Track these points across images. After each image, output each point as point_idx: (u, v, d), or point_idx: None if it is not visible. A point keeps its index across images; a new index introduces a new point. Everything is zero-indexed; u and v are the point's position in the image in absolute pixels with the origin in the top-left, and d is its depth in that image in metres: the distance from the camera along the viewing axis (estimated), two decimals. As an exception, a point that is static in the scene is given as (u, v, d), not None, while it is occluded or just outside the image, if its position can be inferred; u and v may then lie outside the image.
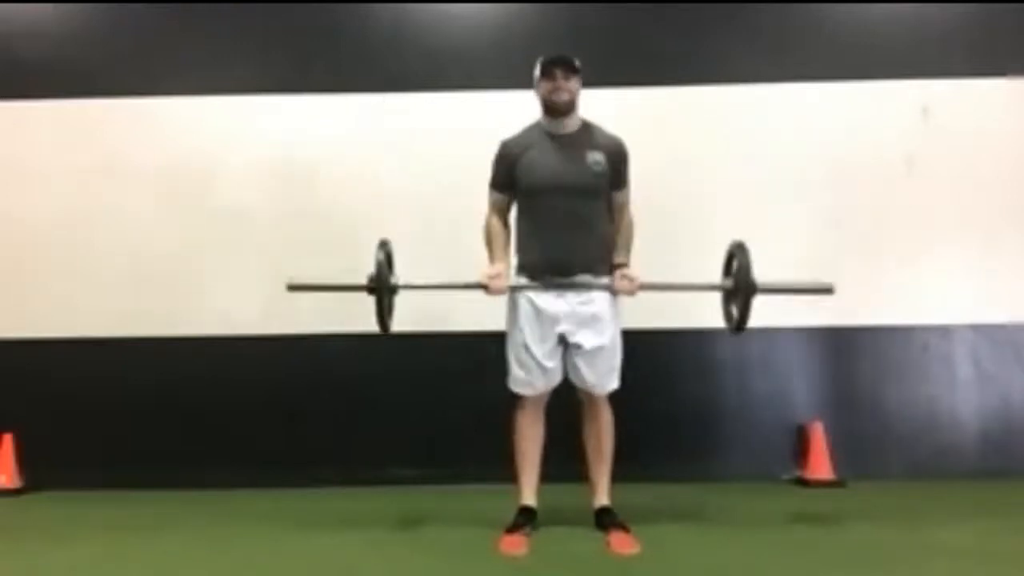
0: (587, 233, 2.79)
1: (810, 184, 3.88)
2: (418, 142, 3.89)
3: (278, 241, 3.90)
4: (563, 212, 2.76)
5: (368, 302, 3.88)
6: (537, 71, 2.81)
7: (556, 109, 2.79)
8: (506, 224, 2.90)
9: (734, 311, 2.79)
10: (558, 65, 2.77)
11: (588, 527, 2.81)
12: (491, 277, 2.75)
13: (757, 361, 3.87)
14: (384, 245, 2.79)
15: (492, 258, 2.85)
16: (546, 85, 2.79)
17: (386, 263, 2.76)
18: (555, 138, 2.82)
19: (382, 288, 2.74)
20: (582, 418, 2.89)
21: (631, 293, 2.79)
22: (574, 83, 2.79)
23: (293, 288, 2.87)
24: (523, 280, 2.82)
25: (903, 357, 3.85)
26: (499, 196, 2.88)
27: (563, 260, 2.76)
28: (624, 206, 2.88)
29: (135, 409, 3.83)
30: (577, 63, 2.79)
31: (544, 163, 2.79)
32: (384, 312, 2.78)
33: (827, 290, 2.82)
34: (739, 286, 2.73)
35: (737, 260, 2.75)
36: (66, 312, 3.87)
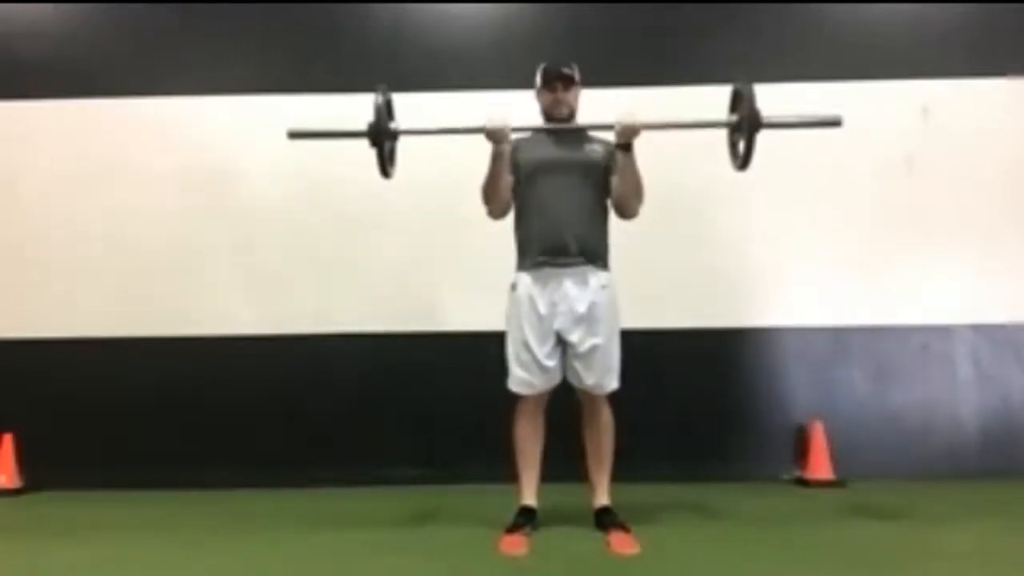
0: (586, 217, 2.80)
1: (810, 184, 3.88)
2: (418, 142, 3.88)
3: (278, 240, 3.90)
4: (563, 192, 2.78)
5: (368, 302, 3.89)
6: (538, 79, 2.86)
7: (556, 121, 2.85)
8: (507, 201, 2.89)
9: (740, 146, 2.76)
10: (558, 79, 2.82)
11: (588, 527, 2.81)
12: (492, 119, 2.72)
13: (757, 361, 3.87)
14: (383, 91, 2.77)
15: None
16: (546, 97, 2.85)
17: (385, 109, 2.75)
18: (554, 133, 2.88)
19: (382, 134, 2.73)
20: (582, 418, 2.89)
21: (632, 128, 2.72)
22: (573, 94, 2.86)
23: (294, 135, 2.86)
24: (524, 274, 2.80)
25: (903, 357, 3.85)
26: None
27: (562, 239, 2.77)
28: None
29: (135, 409, 3.83)
30: (577, 75, 2.84)
31: (544, 147, 2.85)
32: (385, 159, 2.78)
33: (835, 122, 2.76)
34: (744, 120, 2.69)
35: (742, 94, 2.72)
36: (66, 312, 3.88)
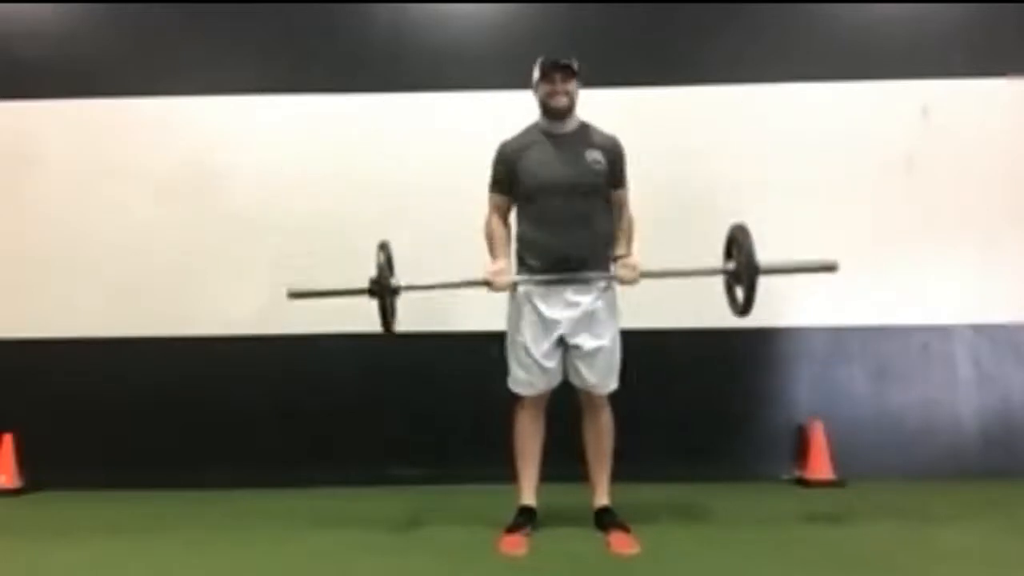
0: (588, 231, 2.79)
1: (810, 184, 3.87)
2: (418, 142, 3.89)
3: (278, 240, 3.89)
4: (564, 211, 2.76)
5: (368, 302, 3.89)
6: (536, 72, 2.82)
7: (555, 112, 2.82)
8: (507, 224, 2.91)
9: (739, 294, 2.76)
10: (557, 69, 2.78)
11: (588, 527, 2.81)
12: (494, 273, 2.75)
13: (757, 361, 3.87)
14: (384, 247, 2.79)
15: (493, 255, 2.85)
16: (545, 88, 2.81)
17: (387, 265, 2.76)
18: (553, 138, 2.84)
19: (384, 291, 2.75)
20: (582, 418, 2.89)
21: (633, 281, 2.77)
22: (572, 86, 2.81)
23: (294, 296, 2.88)
24: (525, 276, 2.81)
25: (903, 357, 3.85)
26: (500, 198, 2.89)
27: (565, 257, 2.76)
28: (624, 204, 2.89)
29: (135, 409, 3.83)
30: (576, 66, 2.80)
31: (544, 164, 2.80)
32: (387, 314, 2.79)
33: (830, 268, 2.77)
34: (742, 268, 2.69)
35: (739, 242, 2.72)
36: (66, 312, 3.87)
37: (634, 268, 2.77)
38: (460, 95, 3.89)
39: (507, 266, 2.81)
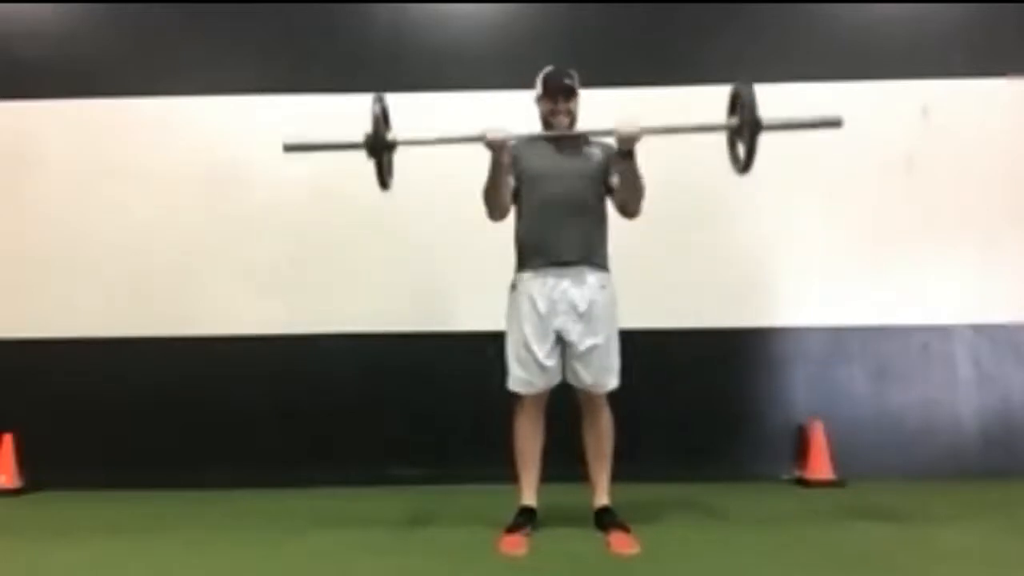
0: (585, 220, 2.81)
1: (810, 184, 3.88)
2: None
3: (278, 240, 3.90)
4: (562, 196, 2.78)
5: (368, 302, 3.89)
6: (538, 87, 2.87)
7: (555, 129, 2.86)
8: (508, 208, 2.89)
9: (740, 150, 2.72)
10: (560, 91, 2.83)
11: (588, 527, 2.81)
12: (491, 130, 2.70)
13: (757, 361, 3.87)
14: (380, 99, 2.74)
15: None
16: (546, 105, 2.87)
17: (382, 118, 2.72)
18: (553, 139, 2.89)
19: (380, 145, 2.69)
20: (582, 418, 2.89)
21: (634, 137, 2.70)
22: (573, 104, 2.86)
23: (289, 148, 2.80)
24: (525, 274, 2.80)
25: (903, 357, 3.85)
26: (505, 177, 2.86)
27: (562, 242, 2.77)
28: None
29: (135, 409, 3.83)
30: (576, 85, 2.84)
31: (544, 155, 2.85)
32: (383, 170, 2.74)
33: (835, 123, 2.72)
34: (744, 122, 2.65)
35: (742, 97, 2.68)
36: (66, 312, 3.88)
37: (632, 120, 2.70)
38: (460, 95, 3.89)
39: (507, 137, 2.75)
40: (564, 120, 2.85)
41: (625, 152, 2.75)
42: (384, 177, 2.78)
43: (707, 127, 2.87)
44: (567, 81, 2.84)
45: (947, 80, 3.88)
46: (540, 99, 2.89)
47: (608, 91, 3.66)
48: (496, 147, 2.72)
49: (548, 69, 2.88)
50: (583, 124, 2.93)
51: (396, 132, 2.77)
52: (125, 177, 3.93)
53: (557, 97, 2.83)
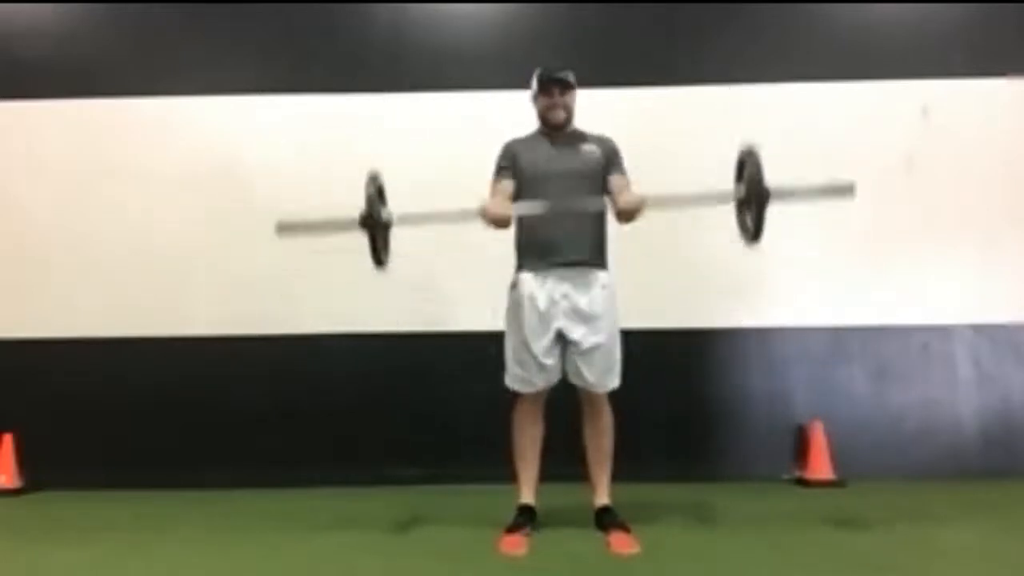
0: (585, 219, 2.81)
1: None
2: (418, 142, 3.89)
3: (277, 240, 3.89)
4: (563, 195, 2.77)
5: (368, 302, 3.89)
6: (534, 85, 2.86)
7: (553, 126, 2.87)
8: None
9: (748, 221, 2.65)
10: (555, 83, 2.82)
11: (588, 527, 2.81)
12: (491, 204, 2.69)
13: (757, 361, 3.87)
14: (375, 179, 2.73)
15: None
16: (543, 102, 2.86)
17: (377, 197, 2.72)
18: (552, 139, 2.89)
19: (375, 224, 2.68)
20: (582, 418, 2.89)
21: (636, 208, 2.68)
22: (570, 99, 2.86)
23: (283, 229, 2.80)
24: (525, 274, 2.80)
25: (903, 357, 3.85)
26: (505, 182, 2.85)
27: (562, 242, 2.77)
28: (625, 188, 2.86)
29: (135, 409, 3.83)
30: (573, 79, 2.83)
31: (543, 155, 2.85)
32: (379, 248, 2.73)
33: (847, 190, 2.62)
34: (752, 193, 2.58)
35: (748, 166, 2.62)
36: (66, 312, 3.88)
37: (636, 196, 2.68)
38: (460, 95, 3.89)
39: (506, 200, 2.74)
40: (561, 115, 2.85)
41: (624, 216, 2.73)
42: (380, 255, 2.73)
43: (714, 198, 2.77)
44: (561, 73, 2.84)
45: (947, 80, 3.88)
46: (536, 96, 2.88)
47: (608, 91, 3.67)
48: (497, 223, 2.68)
49: (542, 68, 2.88)
50: (583, 125, 2.94)
51: (391, 213, 2.71)
52: (125, 177, 3.93)
53: (553, 89, 2.82)
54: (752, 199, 2.57)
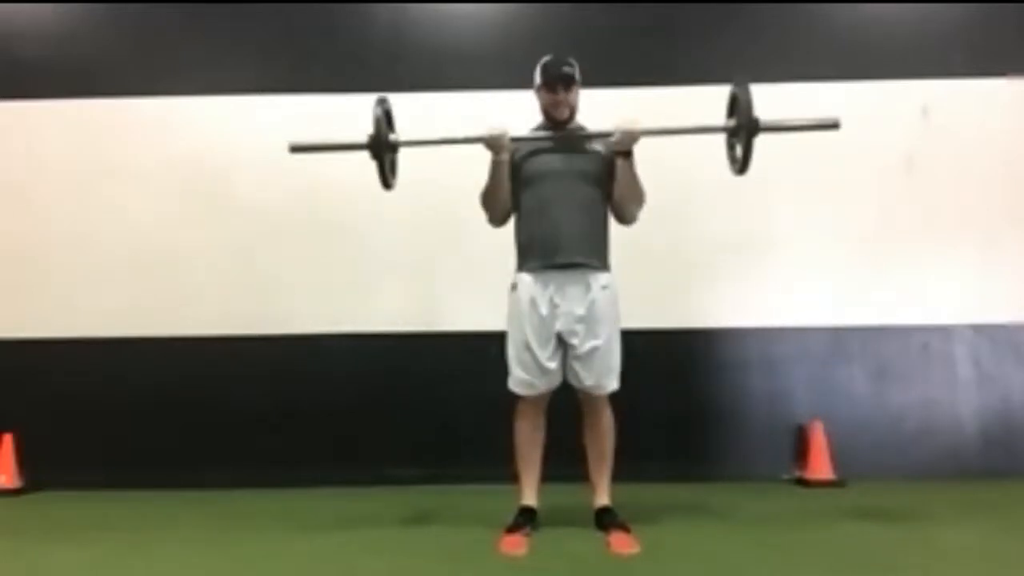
0: (586, 220, 2.80)
1: (810, 184, 3.88)
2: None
3: (278, 240, 3.90)
4: (562, 195, 2.77)
5: (368, 302, 3.89)
6: (538, 78, 2.83)
7: (556, 122, 2.85)
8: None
9: (738, 151, 2.77)
10: (559, 81, 2.79)
11: (588, 527, 2.80)
12: (492, 129, 2.74)
13: (757, 361, 3.87)
14: (382, 102, 2.78)
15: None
16: (547, 97, 2.83)
17: (384, 120, 2.76)
18: (554, 138, 2.87)
19: (382, 146, 2.74)
20: (582, 418, 2.89)
21: (633, 138, 2.74)
22: (574, 95, 2.84)
23: (295, 149, 2.86)
24: (525, 276, 2.79)
25: (903, 357, 3.85)
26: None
27: (562, 243, 2.76)
28: None
29: (135, 409, 3.83)
30: (577, 75, 2.81)
31: (544, 150, 2.84)
32: (386, 170, 2.79)
33: (833, 125, 2.76)
34: (742, 124, 2.70)
35: (739, 99, 2.72)
36: (66, 312, 3.88)
37: (632, 121, 2.74)
38: (460, 95, 3.89)
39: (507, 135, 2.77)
40: (565, 112, 2.82)
41: (623, 152, 2.75)
42: (387, 177, 2.82)
43: (705, 129, 2.91)
44: (567, 69, 2.80)
45: (947, 80, 3.88)
46: (539, 89, 2.84)
47: (608, 91, 3.66)
48: (496, 146, 2.74)
49: (547, 58, 2.84)
50: (583, 130, 2.93)
51: (398, 134, 2.79)
52: (125, 177, 3.93)
53: (557, 87, 2.79)
54: (742, 130, 2.70)
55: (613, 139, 2.76)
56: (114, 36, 4.03)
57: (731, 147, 2.86)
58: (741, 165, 2.76)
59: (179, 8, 3.97)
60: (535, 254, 2.80)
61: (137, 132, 3.95)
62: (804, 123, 2.82)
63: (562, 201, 2.78)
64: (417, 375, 3.81)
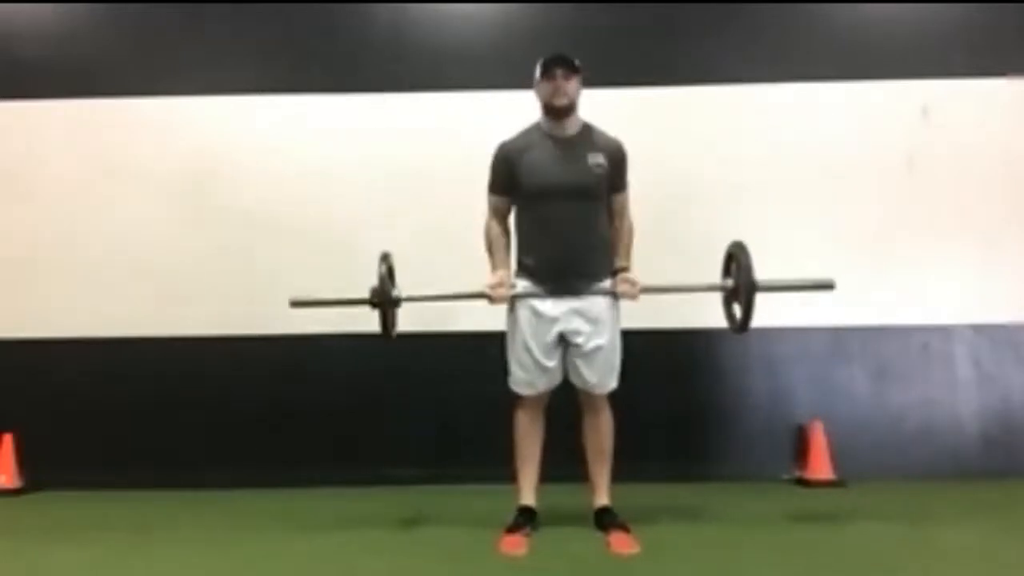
0: (588, 236, 2.78)
1: (810, 184, 3.88)
2: (418, 142, 3.89)
3: (278, 240, 3.89)
4: (564, 214, 2.75)
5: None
6: (537, 72, 2.79)
7: (556, 112, 2.78)
8: (506, 229, 2.89)
9: (736, 311, 2.79)
10: (559, 65, 2.75)
11: (588, 527, 2.81)
12: (493, 287, 2.76)
13: (757, 361, 3.86)
14: (385, 258, 2.81)
15: (494, 265, 2.84)
16: (546, 87, 2.77)
17: (388, 276, 2.78)
18: (555, 140, 2.80)
19: (385, 302, 2.78)
20: (582, 418, 2.89)
21: (633, 297, 2.79)
22: (574, 84, 2.77)
23: (295, 305, 2.90)
24: (524, 283, 2.80)
25: (903, 357, 3.85)
26: (499, 199, 2.86)
27: (564, 263, 2.76)
28: (624, 208, 2.87)
29: (135, 409, 3.83)
30: (577, 63, 2.77)
31: (545, 165, 2.77)
32: (388, 324, 2.82)
33: (828, 286, 2.81)
34: (740, 286, 2.72)
35: (737, 260, 2.74)
36: (66, 312, 3.87)
37: (634, 284, 2.79)
38: (460, 95, 3.89)
39: (506, 278, 2.79)
40: (564, 100, 2.75)
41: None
42: (388, 329, 2.84)
43: (705, 288, 2.94)
44: (566, 56, 2.76)
45: (947, 80, 3.87)
46: (540, 83, 2.78)
47: (608, 91, 3.66)
48: (498, 297, 2.78)
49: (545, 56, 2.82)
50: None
51: (400, 290, 2.84)
52: (125, 177, 3.93)
53: (556, 72, 2.73)
54: (741, 291, 2.73)
55: (616, 293, 2.80)
56: (114, 36, 4.03)
57: (728, 305, 2.87)
58: (741, 325, 2.77)
59: (179, 8, 3.97)
60: (536, 259, 2.79)
61: (137, 132, 3.95)
62: (800, 283, 2.88)
63: (564, 207, 2.74)
64: (417, 375, 3.80)
